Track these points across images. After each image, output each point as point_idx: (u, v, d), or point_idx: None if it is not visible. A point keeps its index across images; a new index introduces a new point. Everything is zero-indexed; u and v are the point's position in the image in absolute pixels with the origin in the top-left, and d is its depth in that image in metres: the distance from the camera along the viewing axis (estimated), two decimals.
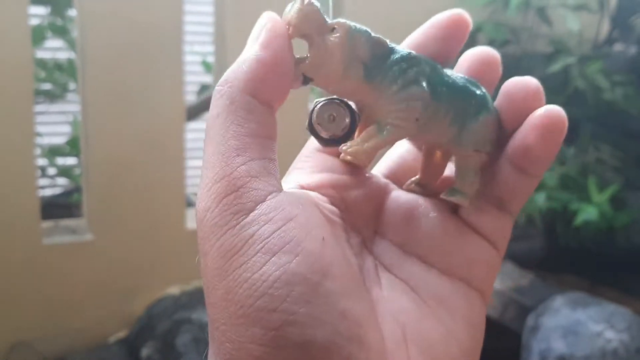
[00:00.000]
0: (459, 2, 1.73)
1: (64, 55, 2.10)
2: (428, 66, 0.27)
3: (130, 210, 1.56)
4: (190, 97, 2.29)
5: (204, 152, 0.24)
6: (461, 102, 0.27)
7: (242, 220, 0.22)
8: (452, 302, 0.26)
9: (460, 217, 0.28)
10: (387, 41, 0.27)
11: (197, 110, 2.20)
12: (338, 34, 0.26)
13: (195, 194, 1.99)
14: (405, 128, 0.26)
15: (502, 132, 0.28)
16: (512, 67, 1.56)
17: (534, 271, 1.45)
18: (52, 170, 2.17)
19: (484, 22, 1.71)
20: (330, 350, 0.21)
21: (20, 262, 1.47)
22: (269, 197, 0.23)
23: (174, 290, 1.59)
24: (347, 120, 0.27)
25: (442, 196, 0.28)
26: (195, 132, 2.42)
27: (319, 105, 0.27)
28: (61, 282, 1.51)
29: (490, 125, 0.28)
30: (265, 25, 0.26)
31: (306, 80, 0.26)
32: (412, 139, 0.30)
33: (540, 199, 1.48)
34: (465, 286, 0.27)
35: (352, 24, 0.26)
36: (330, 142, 0.28)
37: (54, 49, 2.14)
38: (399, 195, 0.29)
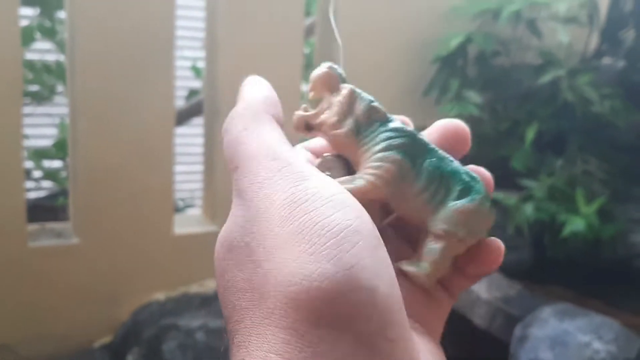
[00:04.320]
0: (450, 13, 1.75)
1: (52, 57, 2.09)
2: (418, 144, 0.30)
3: (117, 215, 1.55)
4: (179, 102, 2.28)
5: (239, 157, 0.27)
6: (443, 185, 0.29)
7: (304, 182, 0.25)
8: (417, 336, 0.28)
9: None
10: (387, 114, 0.30)
11: (185, 115, 2.20)
12: (342, 93, 0.30)
13: (183, 200, 1.99)
14: (374, 185, 0.28)
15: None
16: (501, 78, 1.57)
17: (521, 282, 1.45)
18: (37, 173, 2.15)
19: (474, 32, 1.72)
20: (391, 304, 0.23)
21: (5, 265, 1.45)
22: (318, 173, 0.26)
23: (160, 296, 1.58)
24: (343, 172, 0.30)
25: (400, 265, 0.29)
26: (184, 137, 2.41)
27: (320, 159, 0.31)
28: (46, 285, 1.49)
29: (470, 213, 0.29)
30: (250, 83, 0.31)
31: (308, 128, 0.31)
32: (395, 209, 0.31)
33: (529, 209, 1.48)
34: (421, 327, 0.29)
35: (359, 90, 0.30)
36: None
37: (42, 51, 2.13)
38: None
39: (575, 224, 1.41)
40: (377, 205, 0.30)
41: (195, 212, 2.29)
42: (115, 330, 1.55)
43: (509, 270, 1.48)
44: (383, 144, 0.29)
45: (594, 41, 1.80)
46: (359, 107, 0.30)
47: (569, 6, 1.66)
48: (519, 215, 1.50)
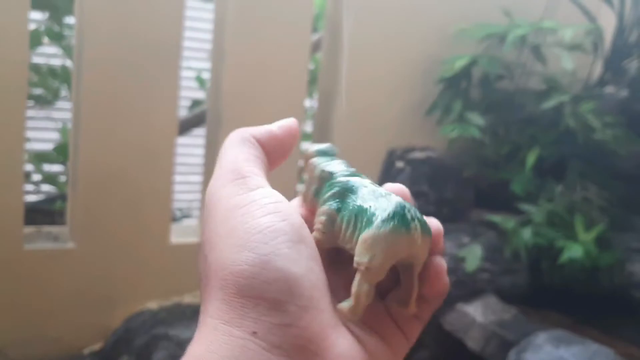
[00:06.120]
0: (456, 35, 1.76)
1: (57, 61, 2.09)
2: (349, 188, 0.34)
3: (115, 221, 1.55)
4: (181, 112, 2.28)
5: (216, 167, 0.34)
6: (358, 222, 0.32)
7: (249, 192, 0.32)
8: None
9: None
10: (337, 172, 0.36)
11: (187, 125, 2.20)
12: (309, 168, 0.38)
13: (181, 210, 1.99)
14: (317, 237, 0.33)
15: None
16: (504, 102, 1.57)
17: (517, 306, 1.44)
18: (36, 176, 2.15)
19: (480, 55, 1.73)
20: (301, 285, 0.29)
21: (0, 266, 1.44)
22: (267, 186, 0.33)
23: (153, 305, 1.57)
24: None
25: (337, 305, 0.32)
26: (184, 147, 2.41)
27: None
28: (40, 288, 1.49)
29: (369, 240, 0.31)
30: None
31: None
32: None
33: (527, 234, 1.48)
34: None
35: (320, 163, 0.37)
36: None
37: (48, 55, 2.14)
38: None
39: (574, 251, 1.41)
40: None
41: (192, 222, 2.28)
42: (106, 337, 1.54)
43: (504, 294, 1.48)
44: (323, 199, 0.34)
45: (598, 69, 1.81)
46: (314, 176, 0.36)
47: (575, 33, 1.67)
48: (516, 239, 1.49)
